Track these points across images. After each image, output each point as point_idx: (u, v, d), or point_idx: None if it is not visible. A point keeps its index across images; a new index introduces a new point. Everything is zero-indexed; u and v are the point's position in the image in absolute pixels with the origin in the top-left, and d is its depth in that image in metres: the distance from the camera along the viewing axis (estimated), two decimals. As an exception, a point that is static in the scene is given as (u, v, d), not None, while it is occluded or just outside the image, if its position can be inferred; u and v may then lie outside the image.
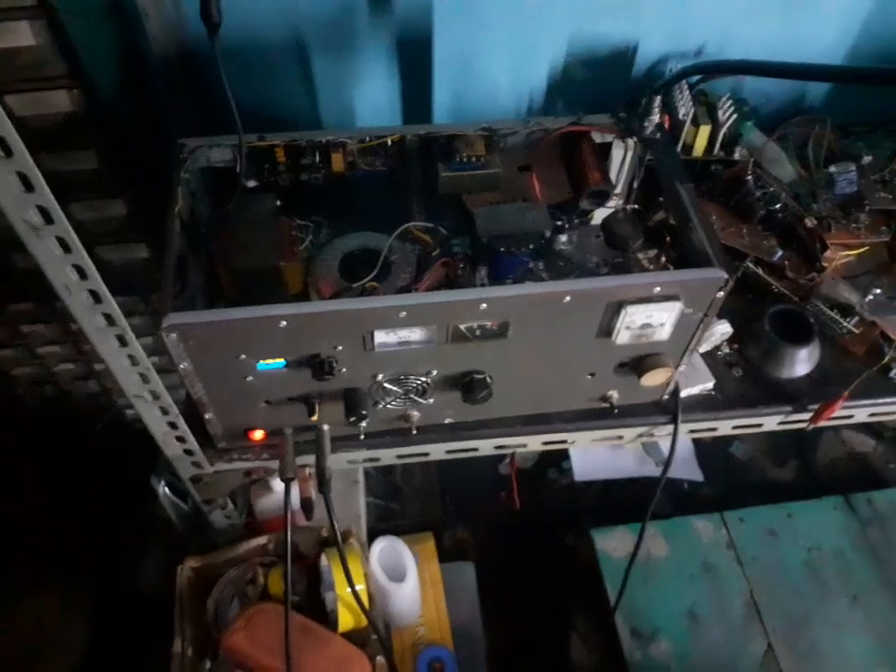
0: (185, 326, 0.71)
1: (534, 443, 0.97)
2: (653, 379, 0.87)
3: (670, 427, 0.96)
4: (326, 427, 0.89)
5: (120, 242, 1.13)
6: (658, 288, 0.77)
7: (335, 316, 0.73)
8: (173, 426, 0.82)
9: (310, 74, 1.06)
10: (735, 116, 1.06)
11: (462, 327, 0.78)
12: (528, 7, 1.05)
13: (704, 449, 1.63)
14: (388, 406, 0.88)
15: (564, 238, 0.94)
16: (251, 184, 0.91)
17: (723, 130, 1.07)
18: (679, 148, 1.07)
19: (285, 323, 0.72)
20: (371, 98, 1.11)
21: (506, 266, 0.88)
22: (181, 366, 0.75)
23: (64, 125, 0.94)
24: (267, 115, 1.00)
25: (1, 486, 1.40)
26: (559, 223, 0.93)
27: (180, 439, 0.85)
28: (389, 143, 0.90)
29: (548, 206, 0.91)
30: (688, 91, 1.06)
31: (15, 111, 0.92)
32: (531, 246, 0.87)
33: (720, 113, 1.07)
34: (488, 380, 0.85)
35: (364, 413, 0.84)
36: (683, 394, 0.96)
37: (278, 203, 0.90)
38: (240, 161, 0.86)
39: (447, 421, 0.93)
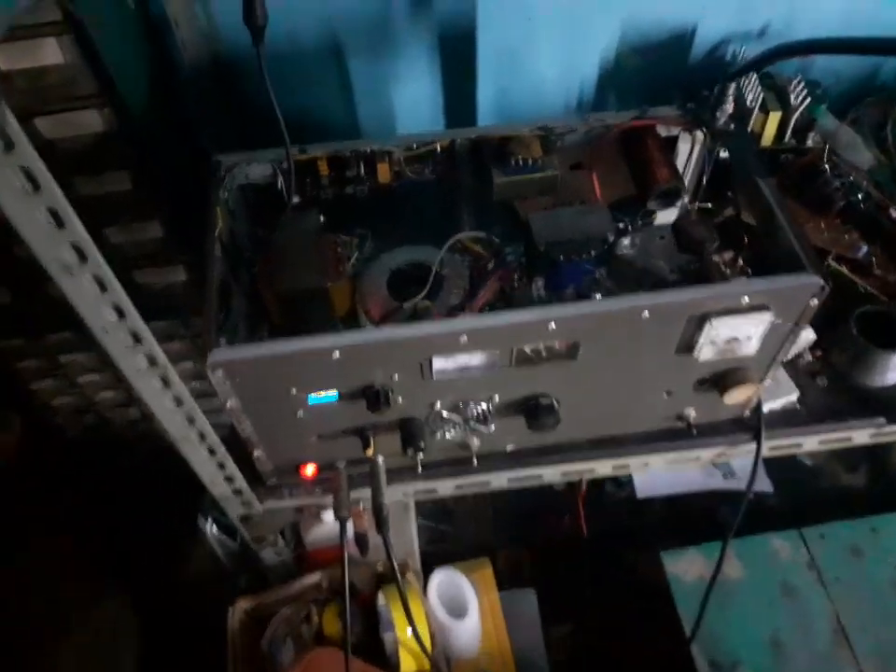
0: (232, 362, 0.65)
1: (603, 468, 0.89)
2: (737, 396, 0.79)
3: (752, 446, 0.88)
4: (381, 460, 0.83)
5: (158, 265, 1.08)
6: (747, 298, 0.69)
7: (392, 345, 0.67)
8: (221, 466, 0.77)
9: (347, 77, 1.00)
10: (808, 100, 0.98)
11: (527, 349, 0.71)
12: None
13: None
14: (447, 435, 0.81)
15: (626, 242, 0.86)
16: (294, 200, 0.85)
17: (796, 115, 0.98)
18: (745, 139, 0.98)
19: (338, 354, 0.66)
20: (412, 100, 1.05)
21: (566, 275, 0.81)
22: (228, 403, 0.70)
23: (96, 146, 0.89)
24: (304, 123, 0.94)
25: (46, 517, 1.37)
26: (621, 225, 0.86)
27: (228, 479, 0.80)
28: (438, 149, 0.83)
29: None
30: (755, 75, 0.97)
31: (44, 134, 0.87)
32: (593, 253, 0.80)
33: (791, 97, 0.98)
34: (555, 404, 0.78)
35: (422, 444, 0.77)
36: (765, 408, 0.88)
37: (322, 218, 0.84)
38: (288, 180, 0.81)
39: (509, 448, 0.87)
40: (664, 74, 1.07)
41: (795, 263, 0.72)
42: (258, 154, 0.82)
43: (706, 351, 0.73)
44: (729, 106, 0.81)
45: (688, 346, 0.73)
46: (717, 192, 0.91)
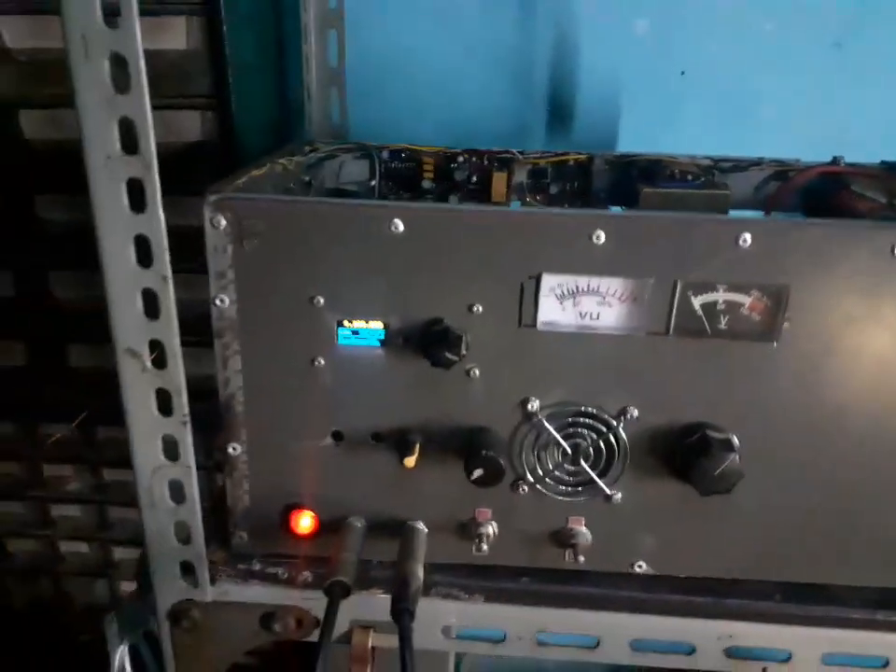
0: (247, 206, 0.43)
1: (808, 655, 0.50)
2: None
3: None
4: (422, 527, 0.50)
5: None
6: None
7: (480, 224, 0.43)
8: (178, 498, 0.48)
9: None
10: None
11: (696, 301, 0.44)
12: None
13: None
14: (536, 491, 0.49)
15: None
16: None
17: None
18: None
19: (402, 227, 0.43)
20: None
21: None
22: (218, 300, 0.45)
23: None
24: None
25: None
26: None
27: (183, 533, 0.49)
28: (572, 162, 0.68)
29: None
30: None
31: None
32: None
33: None
34: (734, 442, 0.46)
35: (500, 467, 0.46)
36: None
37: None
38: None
39: (640, 567, 0.51)
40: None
41: None
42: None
43: None
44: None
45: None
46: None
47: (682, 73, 0.90)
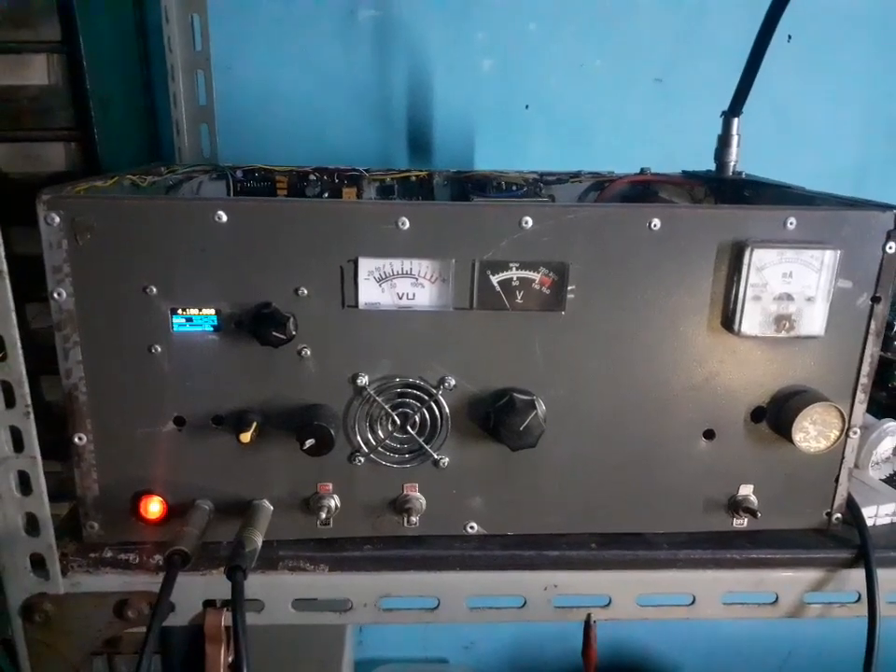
0: (78, 204, 0.47)
1: (625, 597, 0.56)
2: (809, 426, 0.53)
3: (855, 577, 0.56)
4: (267, 504, 0.54)
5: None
6: (792, 221, 0.50)
7: (301, 214, 0.48)
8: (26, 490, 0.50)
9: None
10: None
11: (494, 280, 0.50)
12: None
13: None
14: (371, 462, 0.54)
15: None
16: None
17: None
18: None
19: (225, 218, 0.48)
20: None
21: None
22: (56, 294, 0.48)
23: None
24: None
25: None
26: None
27: (32, 526, 0.51)
28: (414, 178, 0.74)
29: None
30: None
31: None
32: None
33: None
34: (538, 405, 0.52)
35: (329, 435, 0.50)
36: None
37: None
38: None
39: (471, 528, 0.56)
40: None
41: None
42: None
43: (750, 315, 0.51)
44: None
45: (727, 313, 0.52)
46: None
47: (526, 106, 1.00)
